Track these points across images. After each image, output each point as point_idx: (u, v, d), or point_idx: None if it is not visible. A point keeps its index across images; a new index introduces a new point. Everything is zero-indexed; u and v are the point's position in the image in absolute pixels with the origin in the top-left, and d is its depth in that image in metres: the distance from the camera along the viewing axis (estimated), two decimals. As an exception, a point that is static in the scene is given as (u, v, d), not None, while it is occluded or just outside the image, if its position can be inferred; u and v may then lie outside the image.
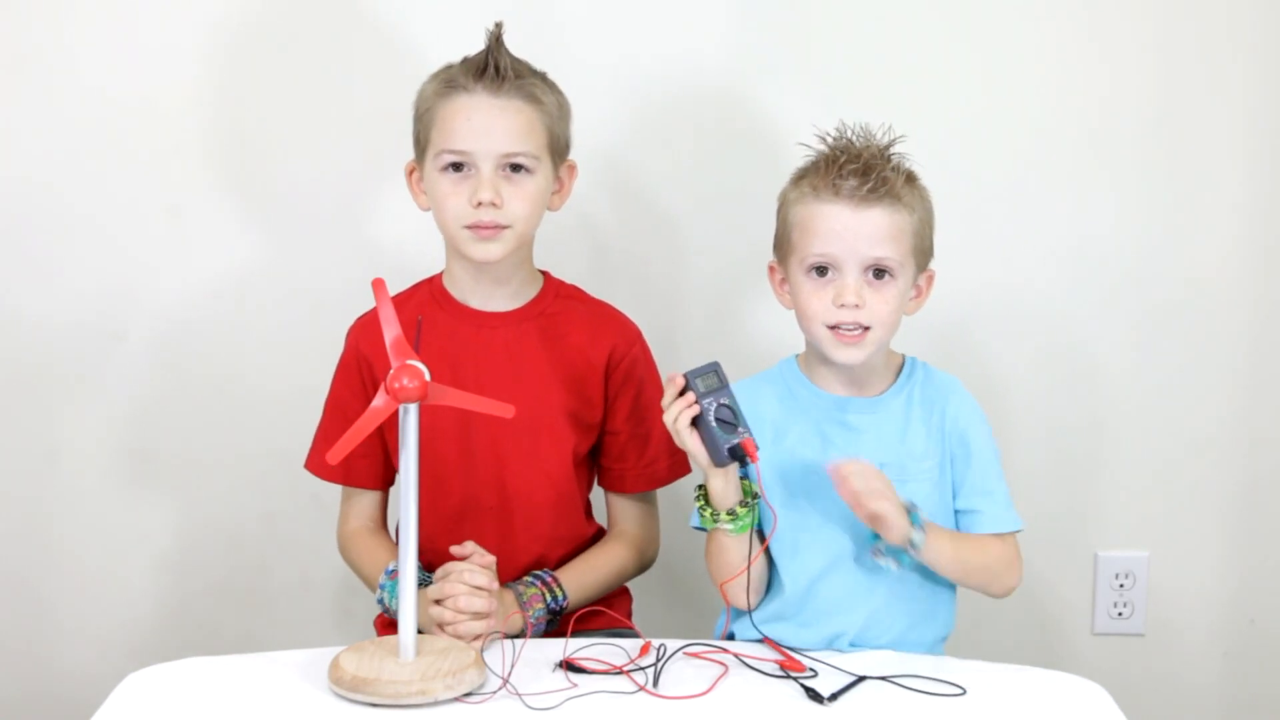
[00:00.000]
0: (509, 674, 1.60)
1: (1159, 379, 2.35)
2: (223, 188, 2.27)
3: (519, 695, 1.57)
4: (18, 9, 2.22)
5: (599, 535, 1.99)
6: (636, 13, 2.23)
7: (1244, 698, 2.44)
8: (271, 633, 2.32)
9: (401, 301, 1.87)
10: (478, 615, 1.71)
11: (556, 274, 1.97)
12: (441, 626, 1.71)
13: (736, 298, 2.29)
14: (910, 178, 1.75)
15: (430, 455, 1.75)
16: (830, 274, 1.72)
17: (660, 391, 1.70)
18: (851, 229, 1.70)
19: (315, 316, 2.24)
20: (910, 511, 1.66)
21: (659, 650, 1.67)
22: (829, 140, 1.75)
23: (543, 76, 1.86)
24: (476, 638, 1.69)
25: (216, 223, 2.27)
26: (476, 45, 1.84)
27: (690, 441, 1.66)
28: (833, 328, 1.71)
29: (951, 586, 1.79)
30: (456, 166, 1.82)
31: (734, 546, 1.73)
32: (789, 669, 1.65)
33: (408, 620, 1.60)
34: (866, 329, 1.70)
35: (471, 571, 1.74)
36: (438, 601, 1.72)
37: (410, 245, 2.13)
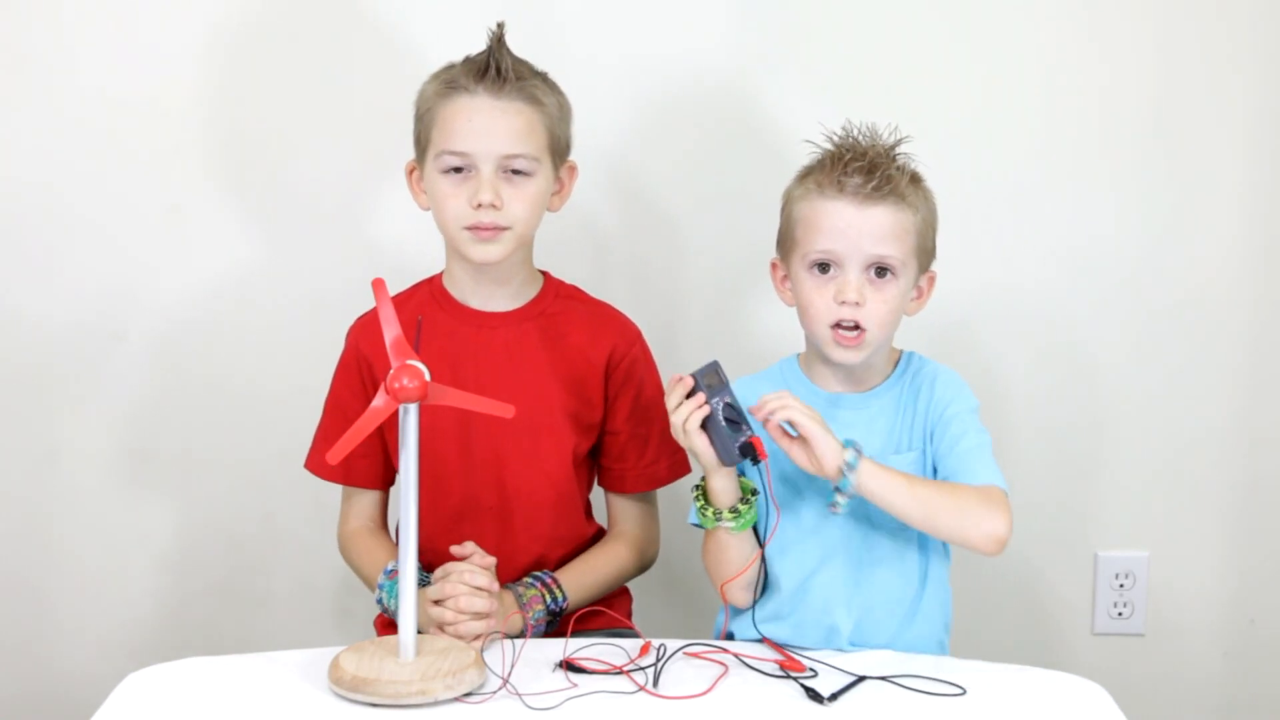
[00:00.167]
0: (509, 674, 1.60)
1: (1159, 379, 2.35)
2: (223, 188, 2.27)
3: (519, 695, 1.57)
4: (18, 9, 2.22)
5: (599, 535, 1.99)
6: (637, 13, 2.23)
7: (1244, 698, 2.44)
8: (271, 633, 2.32)
9: (402, 301, 1.88)
10: (478, 615, 1.71)
11: (557, 274, 1.96)
12: (442, 627, 1.71)
13: (736, 298, 2.29)
14: (915, 178, 1.75)
15: (430, 455, 1.75)
16: (832, 271, 1.72)
17: (661, 391, 1.70)
18: (855, 226, 1.70)
19: (315, 316, 2.24)
20: (846, 442, 1.64)
21: (659, 650, 1.67)
22: (835, 139, 1.75)
23: (544, 77, 1.86)
24: (477, 638, 1.69)
25: (216, 223, 2.27)
26: (477, 45, 1.84)
27: (699, 442, 1.66)
28: (833, 326, 1.71)
29: (945, 581, 1.79)
30: (457, 168, 1.82)
31: (734, 544, 1.73)
32: (789, 669, 1.65)
33: (408, 620, 1.60)
34: (864, 331, 1.71)
35: (472, 572, 1.74)
36: (438, 602, 1.72)
37: (410, 245, 2.13)
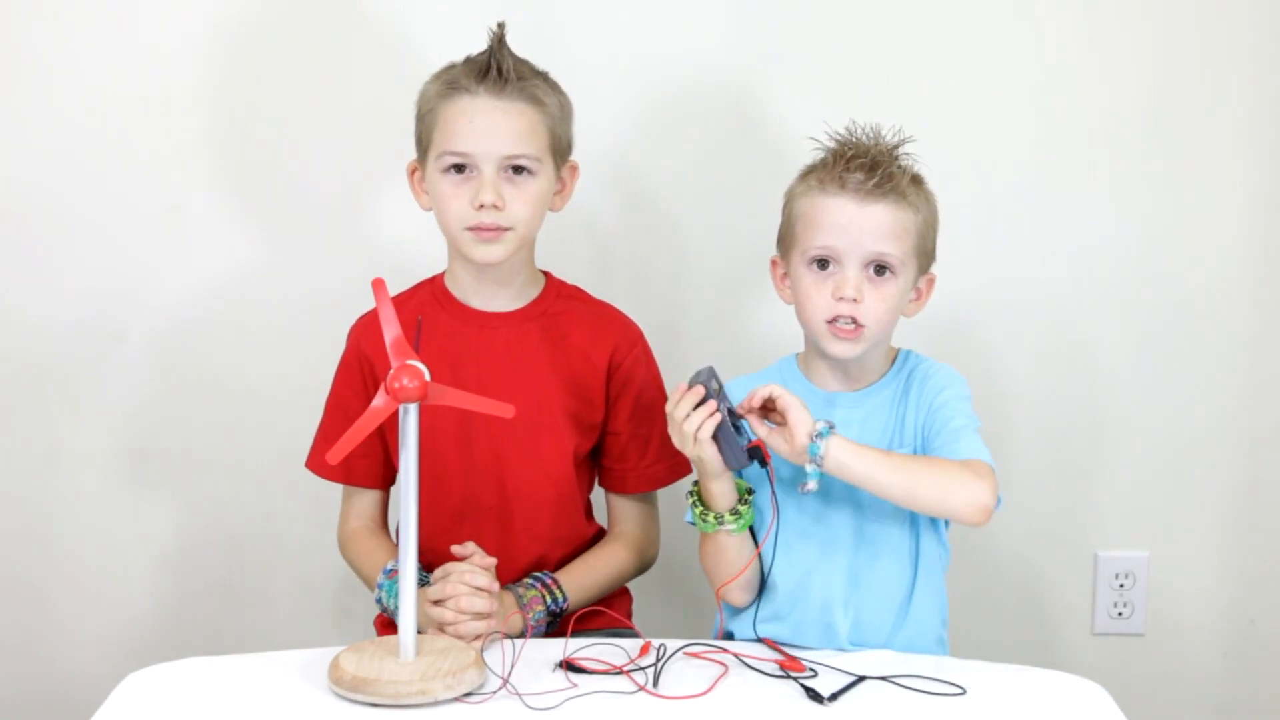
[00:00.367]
0: (509, 674, 1.60)
1: (1159, 379, 2.35)
2: (223, 188, 2.27)
3: (519, 695, 1.57)
4: (18, 9, 2.22)
5: (599, 536, 1.99)
6: (638, 12, 2.23)
7: (1244, 698, 2.44)
8: (271, 633, 2.32)
9: (402, 301, 1.88)
10: (479, 616, 1.71)
11: (558, 274, 1.96)
12: (442, 627, 1.71)
13: (737, 298, 2.29)
14: (916, 179, 1.75)
15: (430, 455, 1.75)
16: (831, 267, 1.72)
17: (662, 392, 1.70)
18: (855, 223, 1.70)
19: (315, 316, 2.24)
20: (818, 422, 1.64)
21: (659, 650, 1.67)
22: (838, 138, 1.75)
23: (545, 77, 1.86)
24: (477, 638, 1.69)
25: (217, 223, 2.27)
26: (477, 45, 1.84)
27: (708, 450, 1.66)
28: (830, 321, 1.71)
29: (941, 576, 1.79)
30: (458, 168, 1.82)
31: (733, 546, 1.73)
32: (789, 669, 1.65)
33: (408, 620, 1.60)
34: (861, 326, 1.71)
35: (472, 572, 1.74)
36: (438, 602, 1.72)
37: (410, 245, 2.13)
